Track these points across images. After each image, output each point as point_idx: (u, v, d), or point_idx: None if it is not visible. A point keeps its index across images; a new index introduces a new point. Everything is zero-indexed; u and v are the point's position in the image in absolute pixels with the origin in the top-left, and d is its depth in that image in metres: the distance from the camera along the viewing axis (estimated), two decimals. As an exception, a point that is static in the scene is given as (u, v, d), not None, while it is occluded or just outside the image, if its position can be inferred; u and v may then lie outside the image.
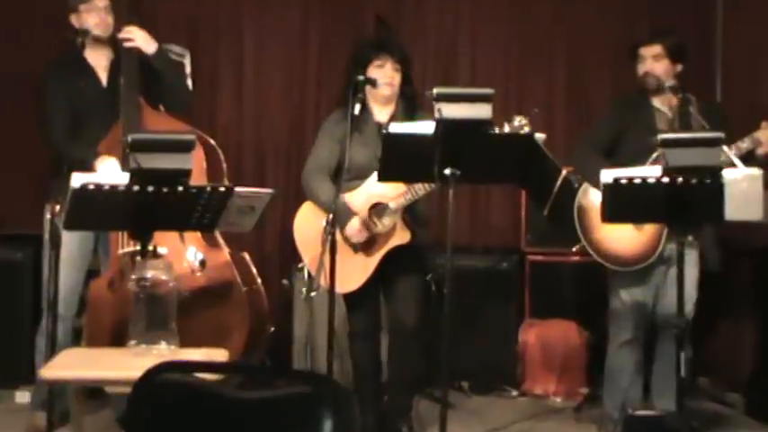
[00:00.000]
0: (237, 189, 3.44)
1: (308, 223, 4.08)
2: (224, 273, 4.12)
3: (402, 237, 3.99)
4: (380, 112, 4.11)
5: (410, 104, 4.11)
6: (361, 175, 3.97)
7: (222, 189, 3.18)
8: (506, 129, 3.64)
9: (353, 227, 3.97)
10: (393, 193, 3.93)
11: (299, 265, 4.63)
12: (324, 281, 3.79)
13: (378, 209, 3.99)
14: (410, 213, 4.01)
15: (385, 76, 4.02)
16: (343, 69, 4.21)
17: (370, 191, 3.99)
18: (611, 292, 4.25)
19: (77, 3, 4.19)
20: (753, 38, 5.36)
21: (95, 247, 4.23)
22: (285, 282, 5.05)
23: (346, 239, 3.98)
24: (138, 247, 3.20)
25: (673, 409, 3.73)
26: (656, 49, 4.16)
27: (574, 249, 4.34)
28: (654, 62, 4.14)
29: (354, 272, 4.00)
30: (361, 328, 4.16)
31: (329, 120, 4.17)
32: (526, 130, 3.61)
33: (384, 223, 3.98)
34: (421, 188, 3.88)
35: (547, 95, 5.75)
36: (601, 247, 4.10)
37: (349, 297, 4.10)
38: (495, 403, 5.00)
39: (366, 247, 4.02)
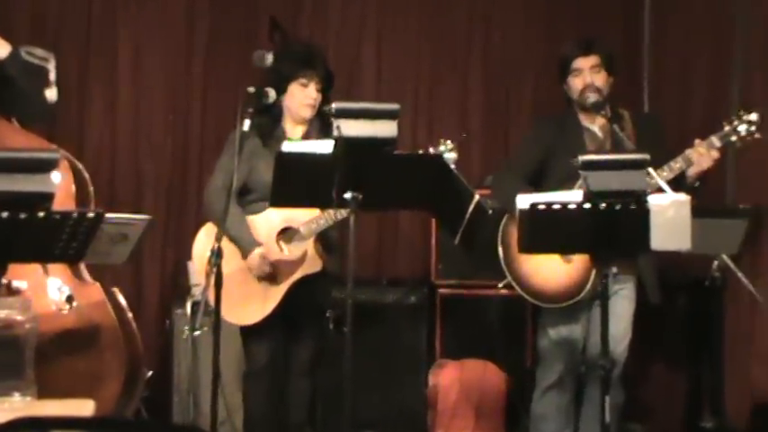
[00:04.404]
0: (109, 215, 3.39)
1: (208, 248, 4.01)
2: (95, 311, 4.03)
3: (313, 265, 4.00)
4: (293, 130, 4.14)
5: (326, 122, 4.08)
6: (268, 196, 3.93)
7: (91, 215, 3.12)
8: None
9: (254, 259, 3.97)
10: (304, 218, 3.91)
11: (194, 294, 4.58)
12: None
13: (287, 234, 3.98)
14: (322, 240, 4.01)
15: (307, 96, 4.05)
16: (233, 79, 4.18)
17: (279, 214, 3.97)
18: (539, 330, 4.31)
19: None
20: (681, 53, 5.53)
21: None
22: (168, 322, 4.99)
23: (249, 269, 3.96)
24: (-10, 282, 3.12)
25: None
26: (594, 59, 4.15)
27: (500, 285, 4.37)
28: (593, 74, 4.14)
29: (256, 302, 4.00)
30: (259, 365, 4.13)
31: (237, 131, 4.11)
32: (453, 155, 3.64)
33: (292, 250, 3.96)
34: (337, 212, 3.87)
35: (460, 116, 5.81)
36: (528, 281, 4.15)
37: (246, 330, 4.06)
38: (402, 453, 5.03)
39: (271, 274, 3.98)
